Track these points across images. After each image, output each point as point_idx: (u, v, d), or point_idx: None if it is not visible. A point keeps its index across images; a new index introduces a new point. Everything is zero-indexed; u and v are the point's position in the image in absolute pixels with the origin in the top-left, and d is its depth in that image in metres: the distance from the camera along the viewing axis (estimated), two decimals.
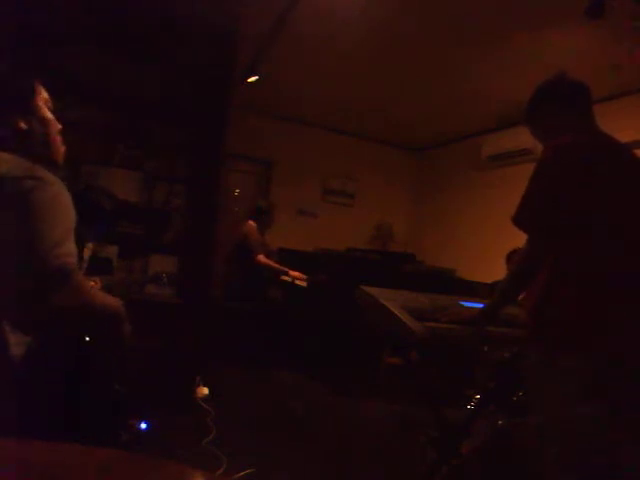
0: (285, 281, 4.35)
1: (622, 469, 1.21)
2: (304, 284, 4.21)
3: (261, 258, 4.28)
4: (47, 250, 0.96)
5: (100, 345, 1.27)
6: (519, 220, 1.35)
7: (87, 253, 2.15)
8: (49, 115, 1.20)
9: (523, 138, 4.29)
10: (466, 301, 1.83)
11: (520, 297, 1.49)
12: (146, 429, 2.06)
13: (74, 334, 1.21)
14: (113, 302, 1.20)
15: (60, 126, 1.24)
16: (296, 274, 4.33)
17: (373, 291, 1.75)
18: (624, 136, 1.55)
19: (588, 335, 1.25)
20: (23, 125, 1.13)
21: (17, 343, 1.02)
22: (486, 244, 4.80)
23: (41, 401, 1.08)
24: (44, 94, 1.21)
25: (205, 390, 3.03)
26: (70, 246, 1.02)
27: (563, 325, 1.28)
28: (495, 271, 3.50)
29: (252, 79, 4.18)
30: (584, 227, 1.29)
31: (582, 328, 1.26)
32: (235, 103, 4.10)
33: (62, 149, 1.24)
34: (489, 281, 3.71)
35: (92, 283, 1.49)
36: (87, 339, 1.24)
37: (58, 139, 1.23)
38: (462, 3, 2.83)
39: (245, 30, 3.41)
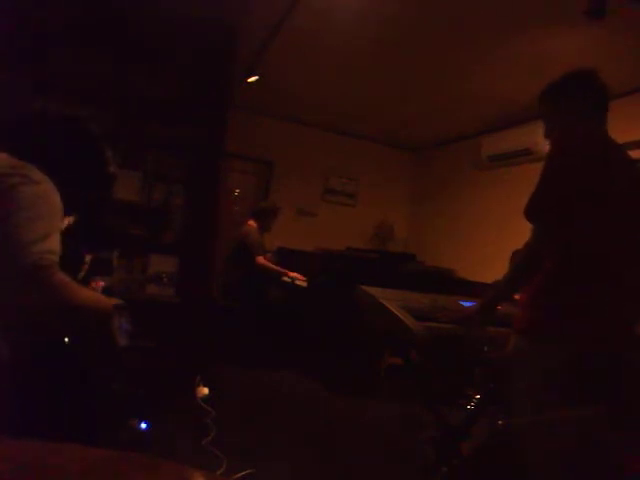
0: (285, 281, 4.35)
1: (622, 469, 1.21)
2: (304, 284, 4.21)
3: (260, 260, 4.28)
4: (23, 246, 0.90)
5: (87, 345, 1.24)
6: (531, 213, 1.36)
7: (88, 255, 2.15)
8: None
9: (523, 138, 4.29)
10: (466, 301, 1.83)
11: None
12: (146, 429, 2.06)
13: (55, 335, 1.16)
14: (101, 301, 1.13)
15: None
16: (295, 275, 4.33)
17: (373, 291, 1.76)
18: (626, 136, 1.55)
19: (587, 327, 1.25)
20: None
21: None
22: (486, 244, 4.80)
23: (38, 400, 1.08)
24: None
25: (205, 390, 3.03)
26: (53, 243, 0.96)
27: (561, 317, 1.29)
28: (495, 271, 3.49)
29: (252, 79, 4.18)
30: (585, 218, 1.30)
31: (581, 321, 1.26)
32: (235, 103, 4.11)
33: None
34: (489, 281, 3.70)
35: (92, 285, 1.49)
36: (66, 340, 1.19)
37: None
38: (462, 3, 2.83)
39: (245, 30, 3.41)
